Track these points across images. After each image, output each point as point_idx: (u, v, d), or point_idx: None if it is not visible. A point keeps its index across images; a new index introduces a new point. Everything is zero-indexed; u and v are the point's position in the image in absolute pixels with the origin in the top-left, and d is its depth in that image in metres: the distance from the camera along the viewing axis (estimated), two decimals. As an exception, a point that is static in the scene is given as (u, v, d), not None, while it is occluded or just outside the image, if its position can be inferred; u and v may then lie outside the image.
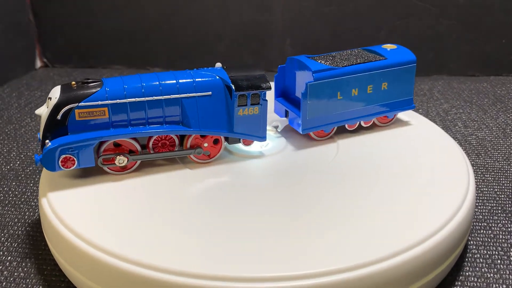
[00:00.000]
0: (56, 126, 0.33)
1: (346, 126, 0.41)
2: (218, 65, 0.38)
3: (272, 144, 0.40)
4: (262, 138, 0.37)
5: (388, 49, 0.41)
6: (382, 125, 0.42)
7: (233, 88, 0.35)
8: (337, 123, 0.40)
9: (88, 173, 0.36)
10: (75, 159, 0.33)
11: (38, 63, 0.81)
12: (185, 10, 0.75)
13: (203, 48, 0.77)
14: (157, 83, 0.35)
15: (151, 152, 0.36)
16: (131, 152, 0.35)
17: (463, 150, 0.50)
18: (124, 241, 0.29)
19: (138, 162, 0.36)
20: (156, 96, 0.34)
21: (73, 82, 0.34)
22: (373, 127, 0.42)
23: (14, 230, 0.38)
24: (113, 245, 0.29)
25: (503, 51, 0.72)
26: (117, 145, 0.35)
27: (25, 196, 0.43)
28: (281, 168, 0.37)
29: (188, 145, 0.36)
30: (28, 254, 0.36)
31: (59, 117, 0.33)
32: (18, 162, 0.49)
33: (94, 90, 0.34)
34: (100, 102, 0.33)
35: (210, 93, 0.35)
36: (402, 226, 0.30)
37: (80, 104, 0.33)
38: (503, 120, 0.57)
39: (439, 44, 0.72)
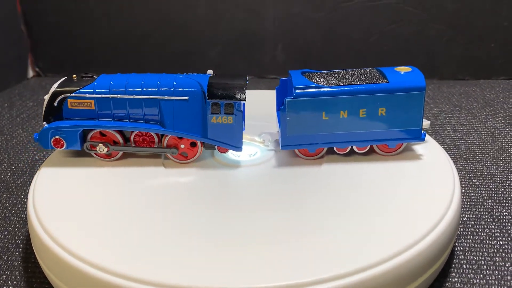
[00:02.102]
0: (54, 111, 0.38)
1: (335, 149, 0.38)
2: (210, 72, 0.39)
3: (259, 155, 0.40)
4: (237, 148, 0.38)
5: (402, 72, 0.37)
6: (384, 154, 0.39)
7: (206, 95, 0.36)
8: (322, 144, 0.38)
9: (77, 187, 0.36)
10: (64, 141, 0.38)
11: (31, 73, 0.81)
12: (177, 17, 0.76)
13: (196, 55, 0.78)
14: (140, 83, 0.38)
15: (132, 145, 0.39)
16: (115, 142, 0.39)
17: (452, 155, 0.50)
18: (111, 255, 0.29)
19: (121, 152, 0.39)
20: (136, 95, 0.37)
21: (74, 75, 0.39)
22: (369, 153, 0.39)
23: (4, 243, 0.38)
24: (101, 258, 0.29)
25: (492, 54, 0.72)
26: (103, 135, 0.39)
27: (16, 208, 0.43)
28: (253, 177, 0.37)
29: (165, 144, 0.39)
30: (17, 267, 0.36)
31: (55, 104, 0.38)
32: (9, 174, 0.49)
33: (85, 84, 0.38)
34: (87, 95, 0.38)
35: (187, 98, 0.37)
36: (384, 235, 0.30)
37: (71, 95, 0.38)
38: (491, 124, 0.57)
39: (429, 49, 0.73)
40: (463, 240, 0.37)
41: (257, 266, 0.28)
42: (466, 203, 0.42)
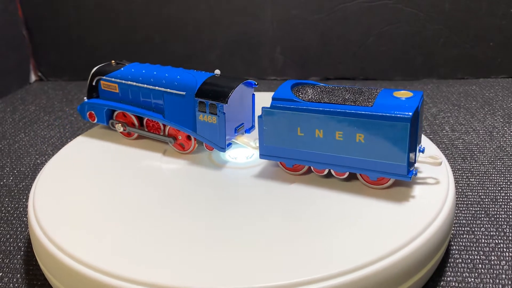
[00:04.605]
0: (93, 89, 0.45)
1: (313, 169, 0.36)
2: (217, 71, 0.40)
3: (256, 157, 0.40)
4: (221, 148, 0.38)
5: (403, 98, 0.33)
6: (368, 185, 0.35)
7: (195, 93, 0.38)
8: (298, 161, 0.36)
9: (76, 190, 0.37)
10: (95, 116, 0.44)
11: (33, 77, 0.82)
12: (177, 21, 0.76)
13: (195, 58, 0.78)
14: (152, 74, 0.41)
15: (145, 129, 0.43)
16: (133, 124, 0.43)
17: (450, 154, 0.50)
18: (110, 257, 0.30)
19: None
20: (146, 85, 0.41)
21: (113, 61, 0.45)
22: (351, 179, 0.36)
23: (6, 246, 0.39)
24: (100, 261, 0.29)
25: (491, 53, 0.72)
26: (126, 116, 0.44)
27: (18, 212, 0.44)
28: (247, 179, 0.37)
29: (166, 133, 0.42)
30: (19, 269, 0.36)
31: (93, 83, 0.45)
32: (11, 178, 0.50)
33: (115, 69, 0.43)
34: (113, 79, 0.43)
35: (184, 93, 0.39)
36: (377, 235, 0.30)
37: (103, 77, 0.44)
38: (490, 123, 0.57)
39: (428, 49, 0.73)
40: (459, 240, 0.37)
41: (252, 266, 0.28)
42: (462, 202, 0.42)
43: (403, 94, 0.33)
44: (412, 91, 0.34)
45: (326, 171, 0.36)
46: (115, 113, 0.44)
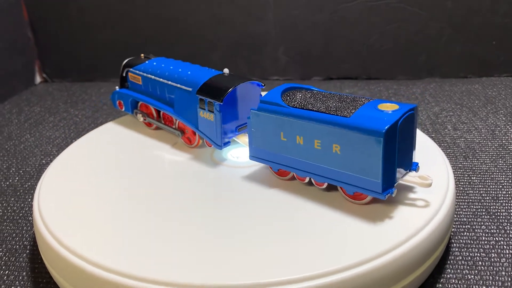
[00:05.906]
0: (123, 80, 0.48)
1: (295, 176, 0.36)
2: (226, 70, 0.41)
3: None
4: (218, 146, 0.39)
5: (389, 111, 0.31)
6: (347, 199, 0.34)
7: (197, 89, 0.39)
8: (282, 166, 0.35)
9: (80, 189, 0.37)
10: (123, 104, 0.47)
11: (38, 79, 0.83)
12: (179, 22, 0.77)
13: (198, 59, 0.78)
14: (169, 69, 0.43)
15: (161, 121, 0.45)
16: (153, 115, 0.45)
17: (451, 153, 0.51)
18: (114, 254, 0.30)
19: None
20: (162, 79, 0.43)
21: (142, 54, 0.48)
22: (332, 189, 0.35)
23: (12, 245, 0.40)
24: (104, 258, 0.30)
25: (494, 52, 0.72)
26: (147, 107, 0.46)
27: (23, 211, 0.44)
28: (246, 178, 0.37)
29: (176, 126, 0.43)
30: (25, 268, 0.37)
31: (123, 74, 0.48)
32: (17, 178, 0.50)
33: (141, 62, 0.46)
34: (138, 72, 0.46)
35: (190, 89, 0.40)
36: (377, 231, 0.31)
37: (130, 69, 0.46)
38: (492, 121, 0.58)
39: (430, 47, 0.73)
40: (459, 237, 0.38)
41: (245, 264, 0.29)
42: (463, 200, 0.42)
43: (389, 107, 0.31)
44: (402, 104, 0.32)
45: (307, 179, 0.35)
46: (139, 103, 0.46)
